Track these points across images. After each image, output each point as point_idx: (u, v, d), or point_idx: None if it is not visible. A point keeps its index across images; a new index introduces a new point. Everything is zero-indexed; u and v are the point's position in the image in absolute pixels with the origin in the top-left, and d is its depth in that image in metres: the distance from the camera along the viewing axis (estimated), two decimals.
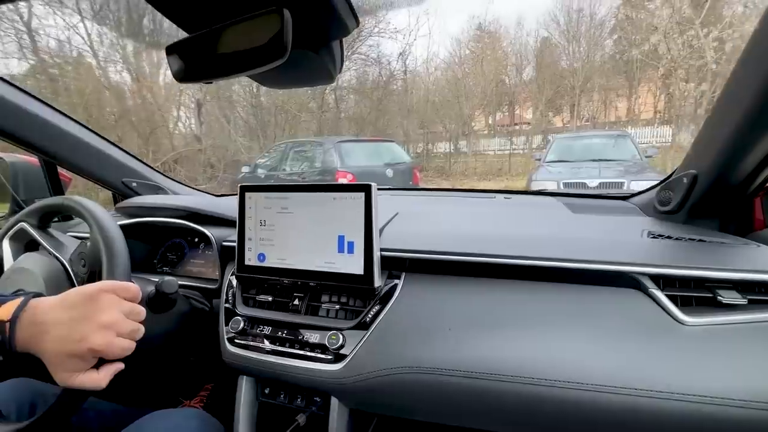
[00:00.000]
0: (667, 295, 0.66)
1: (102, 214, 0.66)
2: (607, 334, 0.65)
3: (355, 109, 14.54)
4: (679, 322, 0.64)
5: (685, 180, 0.85)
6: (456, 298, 0.75)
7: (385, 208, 0.87)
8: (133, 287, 0.53)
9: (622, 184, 4.70)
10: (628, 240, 0.81)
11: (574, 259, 0.71)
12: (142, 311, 0.53)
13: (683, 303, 0.66)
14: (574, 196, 1.26)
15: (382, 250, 0.78)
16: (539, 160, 6.45)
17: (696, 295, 0.66)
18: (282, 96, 10.68)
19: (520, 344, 0.67)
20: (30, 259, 0.70)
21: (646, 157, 5.78)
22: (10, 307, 0.47)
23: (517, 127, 18.38)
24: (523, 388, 0.64)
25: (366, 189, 0.75)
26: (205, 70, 0.41)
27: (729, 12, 8.58)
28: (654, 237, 0.80)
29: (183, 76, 0.42)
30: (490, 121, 20.24)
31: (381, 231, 0.85)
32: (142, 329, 0.53)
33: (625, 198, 1.13)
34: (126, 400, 0.88)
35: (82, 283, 0.69)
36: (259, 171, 6.82)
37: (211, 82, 0.43)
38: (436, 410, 0.73)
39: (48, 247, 0.73)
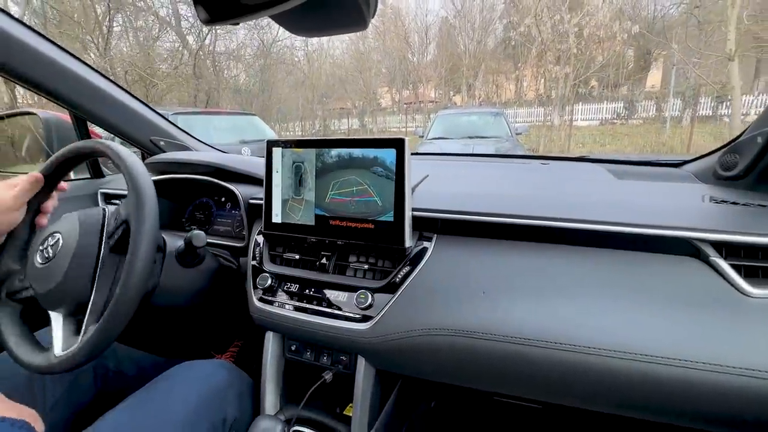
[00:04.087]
0: (731, 265, 0.61)
1: (133, 161, 0.64)
2: (659, 304, 0.60)
3: (239, 78, 13.03)
4: (743, 294, 0.59)
5: (759, 139, 0.78)
6: (491, 261, 0.71)
7: (415, 171, 0.82)
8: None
9: None
10: (686, 205, 0.76)
11: (625, 222, 0.65)
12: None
13: (747, 274, 0.61)
14: (618, 162, 1.15)
15: (413, 210, 0.74)
16: (422, 137, 6.42)
17: (764, 265, 0.60)
18: (141, 61, 9.09)
19: (561, 311, 0.63)
20: (77, 217, 0.70)
21: (517, 134, 6.09)
22: None
23: (422, 105, 18.78)
24: (563, 356, 0.61)
25: (398, 144, 0.71)
26: (231, 9, 0.39)
27: (588, 0, 9.60)
28: (717, 202, 0.74)
29: (209, 17, 0.40)
30: (396, 99, 20.43)
31: (412, 191, 0.80)
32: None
33: (677, 165, 1.06)
34: (162, 352, 0.95)
35: (108, 231, 0.67)
36: None
37: (238, 23, 0.41)
38: (465, 373, 0.71)
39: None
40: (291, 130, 15.22)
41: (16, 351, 0.62)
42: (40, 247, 0.66)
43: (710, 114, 11.61)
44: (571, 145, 10.19)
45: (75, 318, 0.64)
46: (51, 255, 0.64)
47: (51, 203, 0.73)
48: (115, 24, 9.41)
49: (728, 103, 10.32)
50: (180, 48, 10.58)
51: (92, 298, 0.62)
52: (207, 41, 10.94)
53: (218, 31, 10.88)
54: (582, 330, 0.61)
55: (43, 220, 0.73)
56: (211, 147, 1.41)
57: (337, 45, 19.81)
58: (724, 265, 0.61)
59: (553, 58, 10.29)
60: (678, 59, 9.87)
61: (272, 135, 5.87)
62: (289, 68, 14.65)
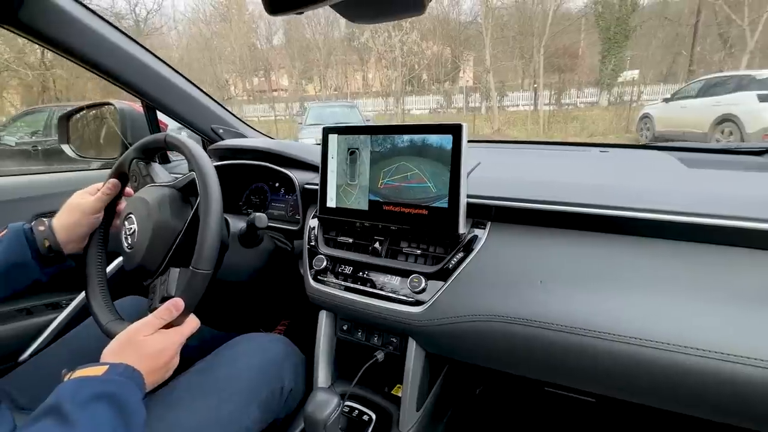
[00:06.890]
0: None
1: (200, 153, 0.69)
2: (742, 302, 0.56)
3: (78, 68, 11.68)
4: None
5: None
6: (549, 250, 0.69)
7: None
8: (165, 311, 0.60)
9: None
10: None
11: (702, 213, 0.59)
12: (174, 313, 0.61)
13: None
14: (690, 150, 1.08)
15: (467, 196, 0.74)
16: (301, 123, 8.30)
17: None
18: None
19: (627, 303, 0.61)
20: (144, 191, 0.76)
21: (366, 121, 8.35)
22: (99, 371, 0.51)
23: (275, 94, 19.32)
24: (628, 349, 0.58)
25: (455, 130, 0.71)
26: (293, 0, 0.38)
27: (406, 23, 12.77)
28: None
29: (273, 7, 0.39)
30: (248, 86, 20.26)
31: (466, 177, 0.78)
32: (182, 327, 0.62)
33: (759, 153, 0.99)
34: (218, 326, 0.99)
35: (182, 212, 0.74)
36: None
37: (302, 12, 0.39)
38: (519, 361, 0.71)
39: (156, 179, 0.79)
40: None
41: (104, 322, 0.68)
42: (125, 230, 0.73)
43: (499, 106, 16.16)
44: None
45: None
46: (134, 234, 0.71)
47: (122, 206, 0.81)
48: None
49: (507, 97, 15.09)
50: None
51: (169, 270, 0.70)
52: None
53: None
54: (648, 324, 0.58)
55: (116, 221, 0.81)
56: (263, 134, 1.48)
57: (172, 25, 18.66)
58: None
59: (387, 63, 13.22)
60: (465, 66, 13.85)
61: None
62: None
